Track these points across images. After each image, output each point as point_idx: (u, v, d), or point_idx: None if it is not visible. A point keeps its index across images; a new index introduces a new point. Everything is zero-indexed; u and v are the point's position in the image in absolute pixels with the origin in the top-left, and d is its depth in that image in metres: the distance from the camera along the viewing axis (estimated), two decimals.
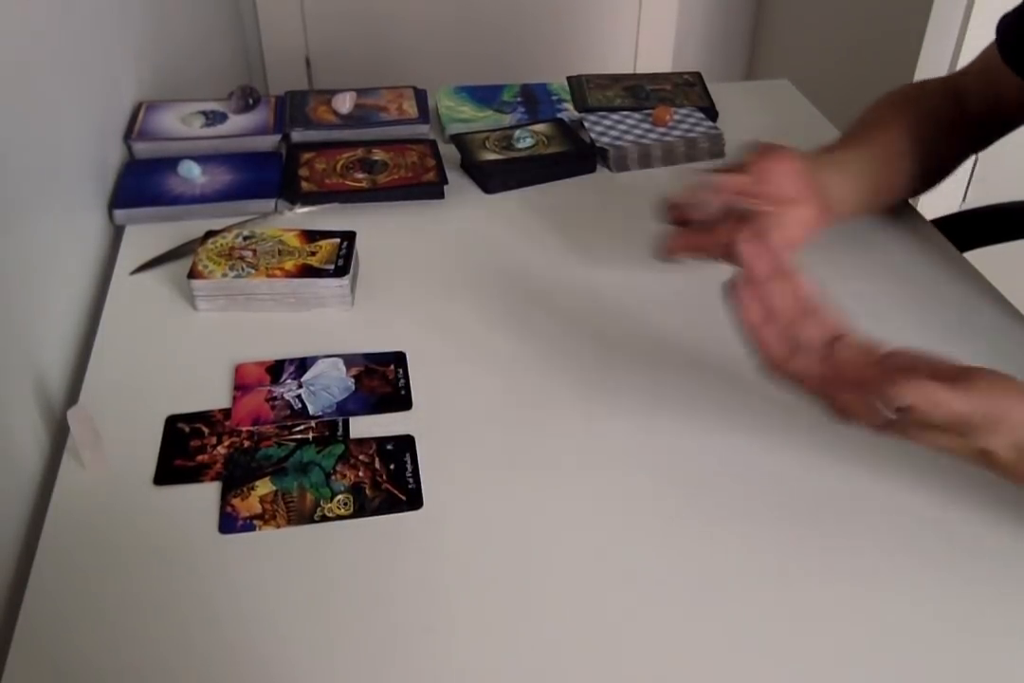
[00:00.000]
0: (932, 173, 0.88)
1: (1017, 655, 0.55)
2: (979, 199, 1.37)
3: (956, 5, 1.68)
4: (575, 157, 1.02)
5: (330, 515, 0.63)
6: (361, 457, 0.67)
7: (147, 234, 0.91)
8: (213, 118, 1.06)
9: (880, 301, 0.82)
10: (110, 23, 1.06)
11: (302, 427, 0.70)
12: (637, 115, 1.09)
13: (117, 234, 0.93)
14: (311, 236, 0.85)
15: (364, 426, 0.70)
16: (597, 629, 0.56)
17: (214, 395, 0.72)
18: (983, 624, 0.57)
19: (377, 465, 0.66)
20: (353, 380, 0.74)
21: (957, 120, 0.87)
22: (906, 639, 0.55)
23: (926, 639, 0.56)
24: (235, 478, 0.65)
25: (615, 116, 1.09)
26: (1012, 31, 0.82)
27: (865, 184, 0.82)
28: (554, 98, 1.14)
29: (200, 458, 0.67)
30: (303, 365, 0.75)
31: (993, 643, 0.56)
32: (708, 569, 0.59)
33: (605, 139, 1.04)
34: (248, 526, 0.62)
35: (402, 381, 0.74)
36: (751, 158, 0.75)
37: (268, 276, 0.80)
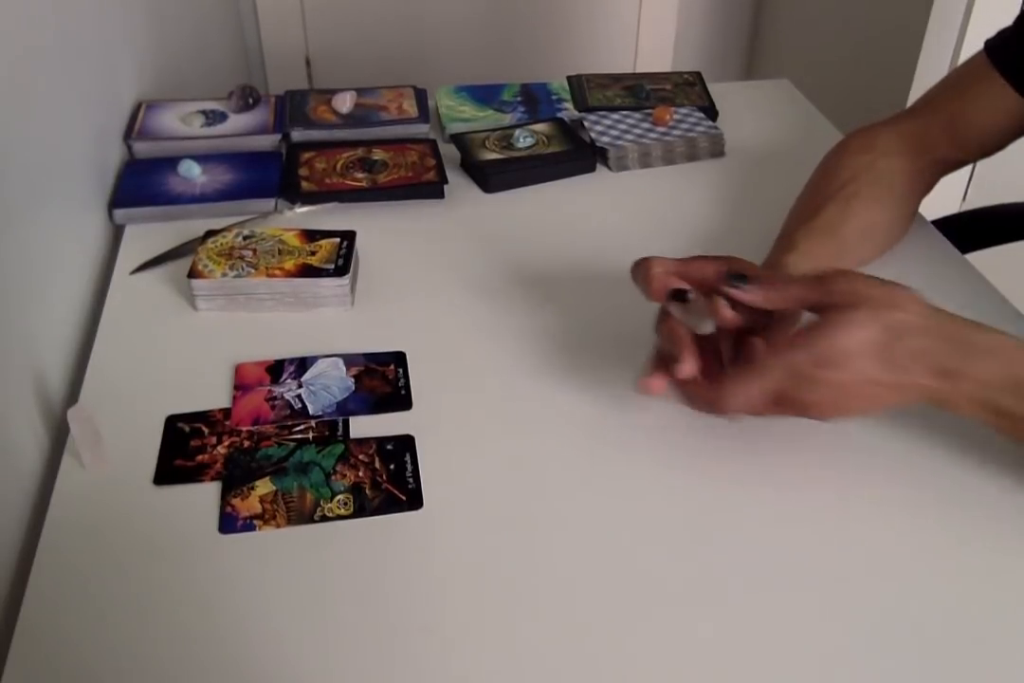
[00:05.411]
0: (904, 223, 0.86)
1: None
2: (979, 200, 1.37)
3: (956, 5, 1.68)
4: (575, 157, 1.02)
5: (330, 515, 0.63)
6: (361, 457, 0.67)
7: (147, 234, 0.91)
8: (213, 118, 1.06)
9: None
10: (110, 23, 1.06)
11: (302, 427, 0.70)
12: (637, 115, 1.09)
13: (117, 234, 0.93)
14: (311, 236, 0.85)
15: (364, 426, 0.70)
16: (598, 629, 0.56)
17: (214, 395, 0.72)
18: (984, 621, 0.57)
19: (377, 465, 0.66)
20: (353, 380, 0.74)
21: (919, 168, 0.84)
22: (905, 641, 0.56)
23: (926, 642, 0.56)
24: (235, 478, 0.65)
25: (615, 116, 1.09)
26: (1008, 45, 0.82)
27: None
28: (554, 98, 1.14)
29: (200, 458, 0.67)
30: (303, 365, 0.75)
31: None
32: (711, 570, 0.59)
33: (605, 139, 1.04)
34: (248, 526, 0.62)
35: (402, 381, 0.74)
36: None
37: (268, 276, 0.80)
